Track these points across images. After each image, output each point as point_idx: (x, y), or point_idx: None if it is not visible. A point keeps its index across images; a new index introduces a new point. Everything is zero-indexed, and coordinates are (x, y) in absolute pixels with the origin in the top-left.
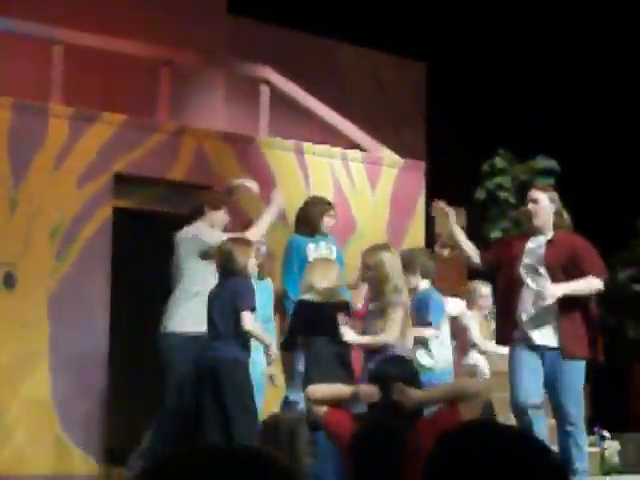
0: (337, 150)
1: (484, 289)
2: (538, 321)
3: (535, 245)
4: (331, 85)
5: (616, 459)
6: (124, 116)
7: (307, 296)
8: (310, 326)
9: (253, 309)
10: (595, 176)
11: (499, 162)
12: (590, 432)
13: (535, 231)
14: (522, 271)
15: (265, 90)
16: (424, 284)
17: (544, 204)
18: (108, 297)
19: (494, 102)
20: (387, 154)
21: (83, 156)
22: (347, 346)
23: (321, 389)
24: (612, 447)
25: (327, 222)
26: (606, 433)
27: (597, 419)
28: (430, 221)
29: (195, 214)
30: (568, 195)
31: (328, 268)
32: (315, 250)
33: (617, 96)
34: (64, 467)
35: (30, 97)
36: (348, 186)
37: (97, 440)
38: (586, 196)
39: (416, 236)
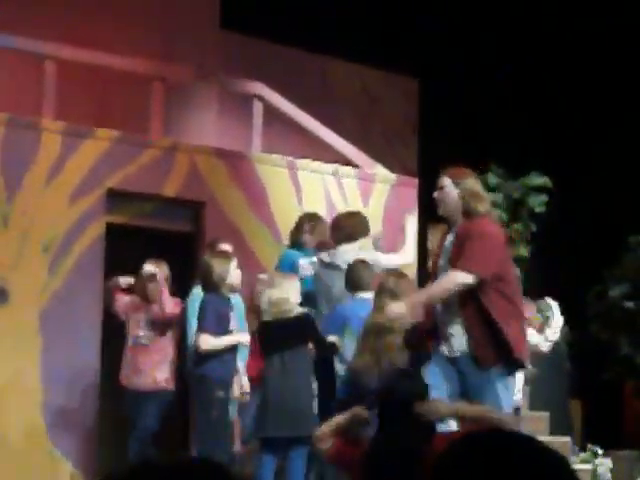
0: (329, 166)
1: None
2: (447, 328)
3: (448, 242)
4: (323, 101)
5: (608, 476)
6: (117, 132)
7: (264, 316)
8: (265, 346)
9: (211, 329)
10: (588, 193)
11: (492, 179)
12: (582, 449)
13: (449, 224)
14: (438, 274)
15: (258, 106)
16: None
17: (449, 190)
18: (100, 312)
19: (487, 118)
20: (379, 170)
21: (76, 172)
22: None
23: (324, 428)
24: (604, 464)
25: (307, 238)
26: (598, 450)
27: (589, 435)
28: (423, 237)
29: (343, 240)
30: (561, 212)
31: (282, 283)
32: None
33: (610, 113)
34: None
35: (23, 113)
36: (340, 202)
37: (88, 453)
38: (579, 213)
39: None
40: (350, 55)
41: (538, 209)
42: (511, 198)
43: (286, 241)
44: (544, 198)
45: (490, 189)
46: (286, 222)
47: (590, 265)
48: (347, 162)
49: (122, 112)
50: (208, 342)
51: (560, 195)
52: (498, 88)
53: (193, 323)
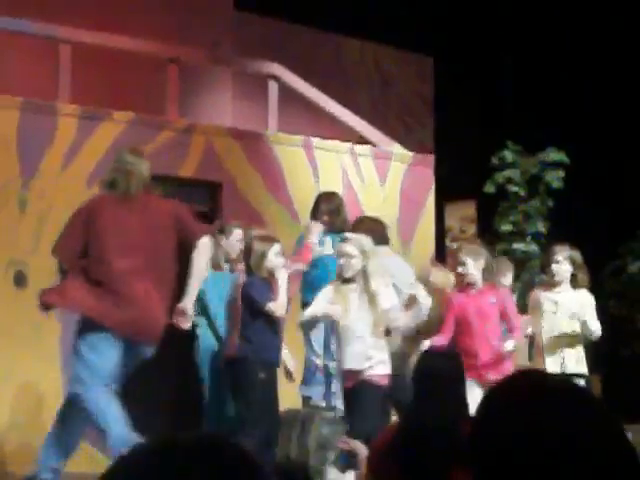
0: (346, 145)
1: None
2: None
3: None
4: (337, 80)
5: None
6: (133, 114)
7: None
8: None
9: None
10: (604, 168)
11: (508, 155)
12: None
13: None
14: None
15: (273, 86)
16: None
17: None
18: None
19: (502, 94)
20: (396, 148)
21: (92, 155)
22: None
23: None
24: None
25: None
26: None
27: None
28: (439, 215)
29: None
30: (578, 187)
31: None
32: (319, 246)
33: (627, 87)
34: (75, 465)
35: (39, 96)
36: (357, 181)
37: None
38: (596, 188)
39: (426, 230)
40: (364, 34)
41: (555, 184)
42: (528, 174)
43: (303, 220)
44: (561, 173)
45: (507, 165)
46: (303, 201)
47: (607, 241)
48: (363, 141)
49: (137, 94)
50: (280, 310)
51: (577, 170)
52: (513, 64)
53: (214, 304)
